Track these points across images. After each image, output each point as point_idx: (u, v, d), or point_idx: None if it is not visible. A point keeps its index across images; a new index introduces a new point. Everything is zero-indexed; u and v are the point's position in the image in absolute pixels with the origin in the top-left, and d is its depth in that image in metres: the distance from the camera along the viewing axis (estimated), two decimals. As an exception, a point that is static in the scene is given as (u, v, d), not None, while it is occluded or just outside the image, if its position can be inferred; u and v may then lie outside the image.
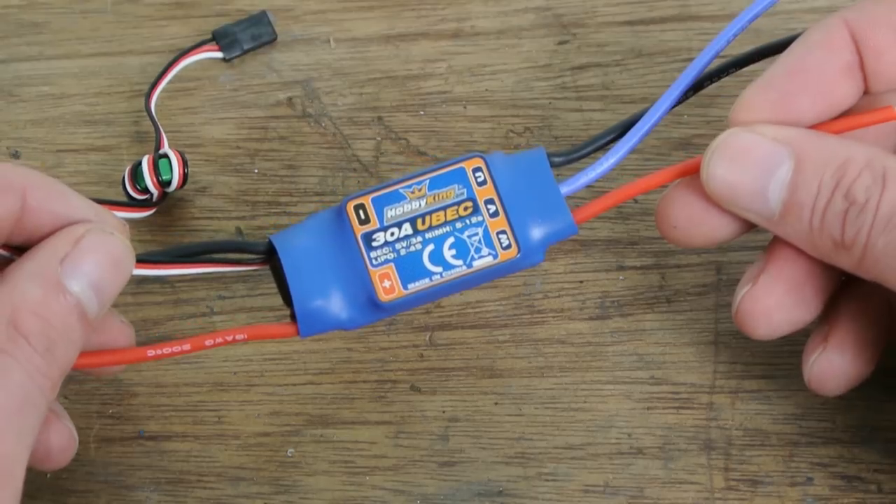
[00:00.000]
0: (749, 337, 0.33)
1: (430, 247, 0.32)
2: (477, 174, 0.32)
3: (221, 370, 0.38)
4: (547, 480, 0.36)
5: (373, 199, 0.32)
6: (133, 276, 0.30)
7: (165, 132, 0.41)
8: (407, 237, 0.32)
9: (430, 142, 0.41)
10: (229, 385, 0.38)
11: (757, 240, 0.39)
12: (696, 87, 0.34)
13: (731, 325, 0.38)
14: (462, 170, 0.32)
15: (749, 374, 0.37)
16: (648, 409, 0.37)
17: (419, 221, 0.32)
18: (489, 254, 0.32)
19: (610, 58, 0.42)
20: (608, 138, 0.34)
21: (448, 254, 0.32)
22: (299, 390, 0.38)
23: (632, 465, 0.36)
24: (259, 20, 0.43)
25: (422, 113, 0.42)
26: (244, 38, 0.43)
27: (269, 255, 0.32)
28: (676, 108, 0.41)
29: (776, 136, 0.31)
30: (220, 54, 0.43)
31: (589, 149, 0.34)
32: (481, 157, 0.32)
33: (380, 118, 0.42)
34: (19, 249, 0.30)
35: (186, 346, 0.31)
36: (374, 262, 0.31)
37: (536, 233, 0.32)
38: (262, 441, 0.37)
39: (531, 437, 0.37)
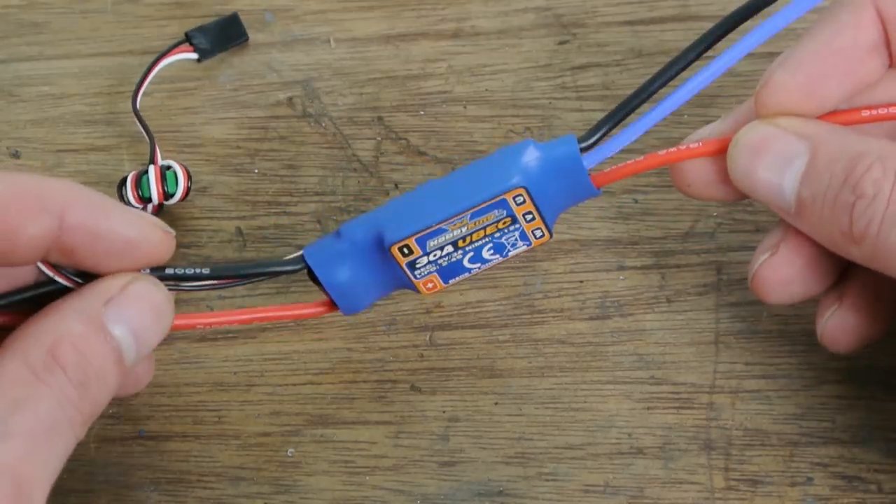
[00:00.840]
0: (761, 301, 0.33)
1: (471, 254, 0.33)
2: (517, 199, 0.32)
3: (221, 370, 0.38)
4: (547, 480, 0.36)
5: (416, 240, 0.32)
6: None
7: (165, 132, 0.41)
8: (449, 254, 0.33)
9: (430, 142, 0.41)
10: (229, 385, 0.38)
11: (756, 240, 0.39)
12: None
13: (731, 325, 0.38)
14: (504, 200, 0.32)
15: (749, 374, 0.37)
16: (648, 409, 0.37)
17: (461, 241, 0.32)
18: (523, 245, 0.33)
19: (610, 58, 0.42)
20: (627, 110, 0.33)
21: (486, 254, 0.33)
22: (299, 390, 0.38)
23: (632, 465, 0.36)
24: (231, 21, 0.43)
25: (422, 113, 0.42)
26: (218, 40, 0.43)
27: (304, 267, 0.33)
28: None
29: (796, 129, 0.31)
30: (194, 55, 0.43)
31: (609, 125, 0.33)
32: (524, 188, 0.31)
33: (380, 118, 0.42)
34: (60, 270, 0.30)
35: (235, 317, 0.33)
36: (417, 275, 0.33)
37: (562, 210, 0.33)
38: (262, 441, 0.37)
39: (531, 437, 0.37)
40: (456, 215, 0.32)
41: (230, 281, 0.33)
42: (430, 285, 0.33)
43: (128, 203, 0.39)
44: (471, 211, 0.32)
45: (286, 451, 0.37)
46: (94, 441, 0.37)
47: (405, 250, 0.32)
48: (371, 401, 0.38)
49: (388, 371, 0.38)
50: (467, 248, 0.33)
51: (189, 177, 0.40)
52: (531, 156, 0.32)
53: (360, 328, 0.38)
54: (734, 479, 0.36)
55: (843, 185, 0.30)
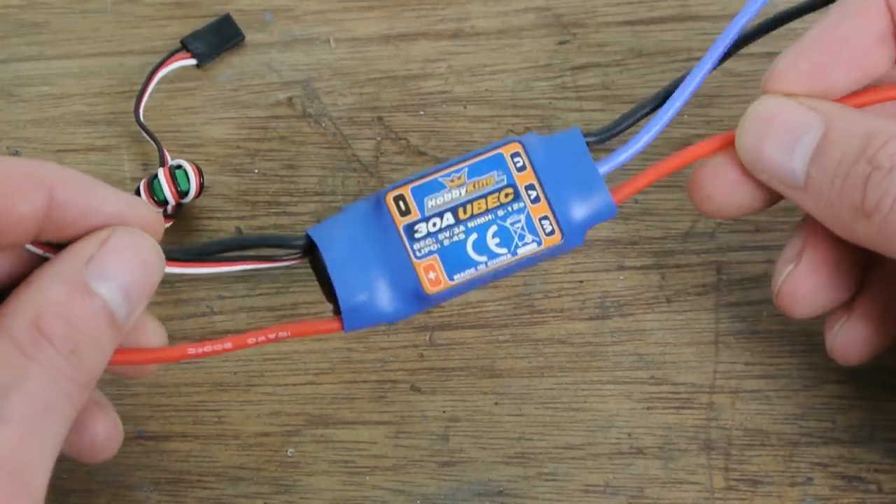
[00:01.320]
0: (789, 316, 0.33)
1: (474, 236, 0.31)
2: (515, 159, 0.31)
3: (221, 370, 0.38)
4: (547, 480, 0.36)
5: (412, 189, 0.31)
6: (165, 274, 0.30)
7: (165, 132, 0.41)
8: (449, 227, 0.31)
9: (430, 142, 0.41)
10: (229, 385, 0.38)
11: (756, 240, 0.39)
12: (738, 45, 0.33)
13: (731, 325, 0.38)
14: (500, 156, 0.31)
15: (749, 374, 0.37)
16: (648, 409, 0.37)
17: (461, 210, 0.31)
18: (533, 241, 0.31)
19: (610, 58, 0.42)
20: (641, 113, 0.33)
21: (492, 242, 0.31)
22: (299, 390, 0.38)
23: (632, 465, 0.36)
24: (224, 22, 0.43)
25: (422, 113, 0.42)
26: (214, 43, 0.43)
27: (307, 251, 0.32)
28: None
29: (809, 104, 0.31)
30: (193, 61, 0.43)
31: (623, 125, 0.33)
32: (519, 142, 0.31)
33: (380, 118, 0.42)
34: (51, 245, 0.29)
35: (228, 345, 0.30)
36: (417, 253, 0.31)
37: (577, 216, 0.32)
38: (262, 441, 0.37)
39: (531, 437, 0.37)
40: (451, 166, 0.31)
41: (230, 252, 0.31)
42: (432, 275, 0.31)
43: None
44: (467, 164, 0.31)
45: (286, 451, 0.37)
46: (94, 441, 0.37)
47: (401, 205, 0.31)
48: (371, 401, 0.38)
49: (388, 371, 0.38)
50: (469, 225, 0.31)
51: (200, 172, 0.39)
52: (532, 135, 0.32)
53: (360, 328, 0.38)
54: (734, 479, 0.36)
55: (859, 158, 0.29)
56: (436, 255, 0.31)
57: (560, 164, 0.32)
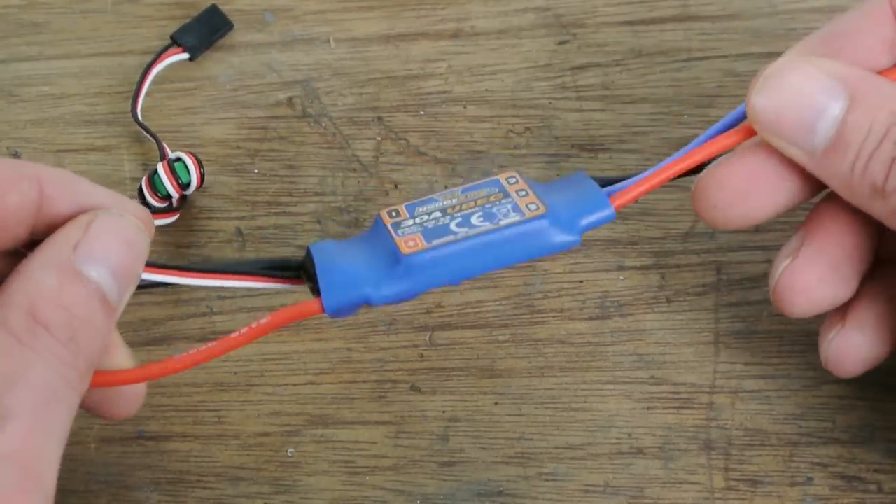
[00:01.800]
0: (785, 315, 0.32)
1: (458, 219, 0.31)
2: (510, 179, 0.32)
3: (221, 370, 0.38)
4: (547, 480, 0.36)
5: (406, 205, 0.32)
6: (177, 284, 0.30)
7: (165, 132, 0.41)
8: (435, 218, 0.32)
9: (430, 142, 0.41)
10: (229, 385, 0.38)
11: (756, 240, 0.39)
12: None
13: (731, 325, 0.38)
14: (497, 180, 0.32)
15: (749, 374, 0.37)
16: (648, 409, 0.37)
17: (449, 209, 0.32)
18: (516, 216, 0.31)
19: (610, 58, 0.42)
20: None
21: (475, 221, 0.31)
22: (299, 390, 0.38)
23: (632, 465, 0.36)
24: (212, 14, 0.43)
25: (422, 113, 0.42)
26: (203, 34, 0.43)
27: (305, 271, 0.32)
28: (677, 109, 0.41)
29: (832, 70, 0.30)
30: (185, 55, 0.43)
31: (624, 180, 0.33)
32: (515, 170, 0.32)
33: (380, 118, 0.42)
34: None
35: (212, 344, 0.30)
36: (399, 234, 0.31)
37: (569, 210, 0.31)
38: (262, 441, 0.37)
39: (531, 437, 0.37)
40: (448, 191, 0.32)
41: (232, 277, 0.31)
42: (411, 243, 0.31)
43: (151, 207, 0.39)
44: (462, 187, 0.32)
45: (286, 451, 0.37)
46: (94, 441, 0.37)
47: (393, 213, 0.32)
48: (371, 401, 0.38)
49: (388, 371, 0.38)
50: (455, 215, 0.32)
51: (200, 163, 0.39)
52: None
53: (360, 328, 0.38)
54: (734, 479, 0.36)
55: (885, 136, 0.29)
56: (419, 234, 0.31)
57: (558, 187, 0.32)
